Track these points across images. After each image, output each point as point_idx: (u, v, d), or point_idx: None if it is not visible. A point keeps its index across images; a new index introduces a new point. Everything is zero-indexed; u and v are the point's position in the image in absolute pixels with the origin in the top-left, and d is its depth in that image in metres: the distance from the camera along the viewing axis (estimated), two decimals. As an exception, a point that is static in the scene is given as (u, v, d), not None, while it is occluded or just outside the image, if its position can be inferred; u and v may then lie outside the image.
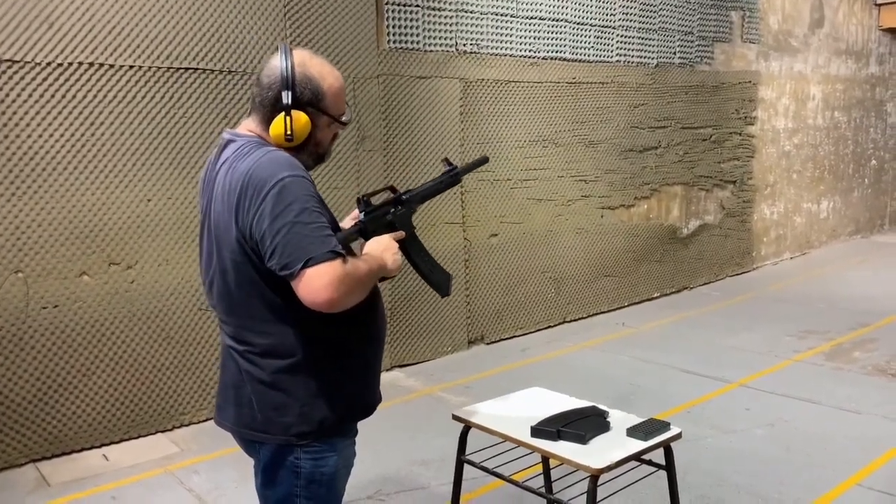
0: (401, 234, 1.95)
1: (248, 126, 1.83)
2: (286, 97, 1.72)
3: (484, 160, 2.40)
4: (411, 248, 2.01)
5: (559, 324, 6.23)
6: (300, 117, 1.74)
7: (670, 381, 4.85)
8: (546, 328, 6.12)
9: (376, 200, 2.01)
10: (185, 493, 3.47)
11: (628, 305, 6.81)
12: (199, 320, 4.24)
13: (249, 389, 1.81)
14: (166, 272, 4.11)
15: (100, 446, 3.98)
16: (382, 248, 1.86)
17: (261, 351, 1.78)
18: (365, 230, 1.92)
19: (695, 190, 7.41)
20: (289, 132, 1.73)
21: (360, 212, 1.93)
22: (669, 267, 7.21)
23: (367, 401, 1.92)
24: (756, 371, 4.97)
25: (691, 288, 7.45)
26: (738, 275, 8.05)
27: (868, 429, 4.01)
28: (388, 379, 5.01)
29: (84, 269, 3.86)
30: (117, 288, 3.97)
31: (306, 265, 1.59)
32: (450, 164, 2.18)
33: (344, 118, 1.86)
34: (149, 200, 4.03)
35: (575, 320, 6.34)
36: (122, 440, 4.05)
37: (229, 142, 1.81)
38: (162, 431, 4.18)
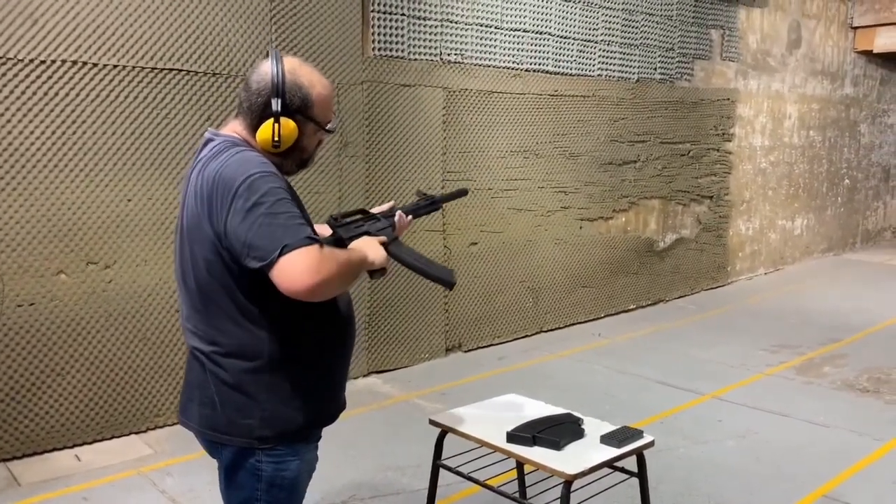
0: (383, 237, 1.97)
1: (234, 128, 1.84)
2: (276, 104, 1.73)
3: (463, 192, 2.44)
4: (399, 250, 2.02)
5: (536, 333, 6.27)
6: (288, 124, 1.75)
7: (644, 391, 4.91)
8: (523, 337, 6.16)
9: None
10: (158, 495, 3.45)
11: (604, 317, 6.87)
12: (176, 322, 4.23)
13: (213, 391, 1.80)
14: (144, 272, 4.10)
15: (72, 447, 3.94)
16: (365, 243, 1.88)
17: (226, 352, 1.78)
18: (340, 239, 1.91)
19: (672, 204, 7.51)
20: (276, 139, 1.74)
21: (333, 227, 1.94)
22: (646, 279, 7.29)
23: (331, 408, 1.93)
24: (728, 384, 5.04)
25: (667, 301, 7.54)
26: (712, 289, 8.16)
27: (836, 442, 4.09)
28: (365, 385, 5.02)
29: (61, 268, 3.84)
30: (94, 287, 3.95)
31: (282, 253, 1.59)
32: (424, 195, 2.23)
33: (330, 126, 1.87)
34: (129, 200, 4.02)
35: (552, 330, 6.38)
36: (94, 441, 4.01)
37: (208, 140, 1.83)
38: (135, 433, 4.15)
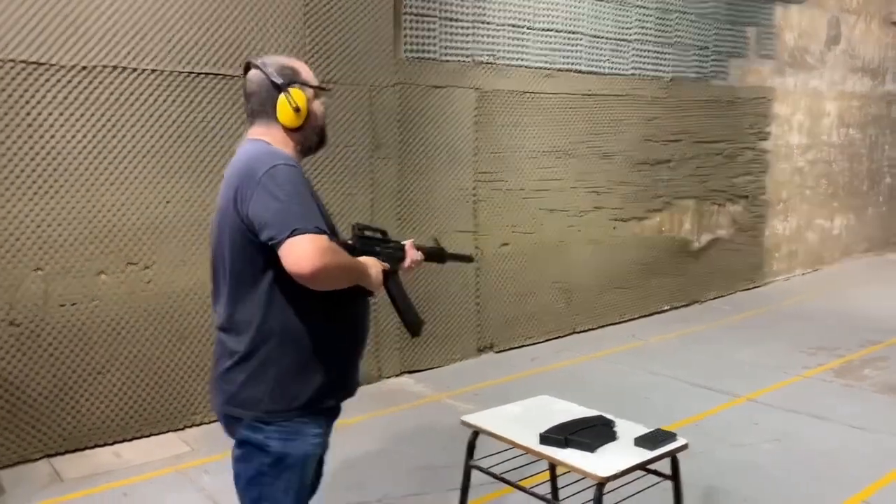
0: (386, 265, 2.09)
1: (254, 133, 2.00)
2: (276, 79, 1.93)
3: (469, 259, 2.60)
4: (392, 284, 2.12)
5: (569, 334, 6.24)
6: (295, 91, 1.94)
7: (679, 393, 4.86)
8: (556, 338, 6.14)
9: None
10: (196, 493, 3.52)
11: (639, 318, 6.82)
12: (213, 321, 4.29)
13: (229, 364, 1.93)
14: (182, 273, 4.17)
15: (112, 444, 4.03)
16: (370, 261, 2.01)
17: (243, 325, 1.91)
18: (353, 249, 2.03)
19: (707, 204, 7.42)
20: (294, 104, 1.92)
21: (353, 233, 2.07)
22: (680, 280, 7.22)
23: (339, 386, 2.01)
24: (764, 386, 4.97)
25: (702, 302, 7.46)
26: (749, 289, 8.04)
27: (876, 446, 4.01)
28: (397, 384, 5.05)
29: (102, 269, 3.93)
30: (134, 287, 4.03)
31: (292, 234, 1.73)
32: (438, 243, 2.40)
33: (326, 88, 2.08)
34: (167, 202, 4.10)
35: (585, 331, 6.35)
36: (133, 438, 4.10)
37: (244, 143, 1.99)
38: (173, 430, 4.23)
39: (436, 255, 2.37)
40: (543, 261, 6.00)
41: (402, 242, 2.20)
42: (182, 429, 4.26)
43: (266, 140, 1.95)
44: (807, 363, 5.49)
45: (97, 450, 3.97)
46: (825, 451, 3.95)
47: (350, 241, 2.04)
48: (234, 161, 1.92)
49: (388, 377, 5.10)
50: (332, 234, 1.97)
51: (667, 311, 7.09)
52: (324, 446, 2.05)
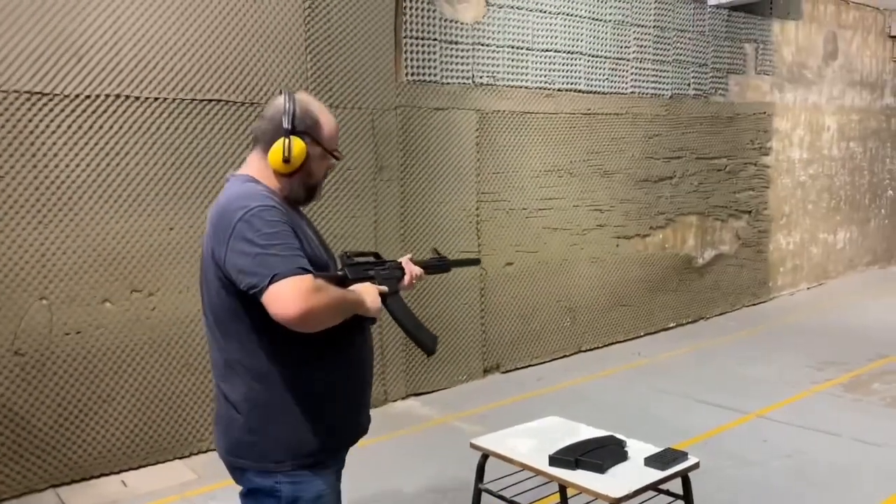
0: (384, 288, 2.01)
1: (251, 159, 1.95)
2: (286, 122, 1.86)
3: (475, 262, 2.56)
4: (394, 305, 2.05)
5: (575, 353, 6.22)
6: (297, 142, 1.86)
7: (687, 411, 4.83)
8: (561, 357, 6.11)
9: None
10: (203, 520, 3.49)
11: (644, 335, 6.79)
12: (211, 349, 4.28)
13: (231, 416, 1.87)
14: (187, 300, 4.17)
15: (118, 472, 4.01)
16: (365, 289, 1.93)
17: (235, 373, 1.86)
18: (344, 279, 1.95)
19: (710, 220, 7.42)
20: (286, 154, 1.84)
21: (342, 264, 1.99)
22: (685, 297, 7.20)
23: (346, 433, 1.96)
24: (773, 402, 4.94)
25: (707, 318, 7.43)
26: (754, 305, 8.02)
27: (888, 461, 3.97)
28: (404, 407, 5.02)
29: (107, 297, 3.93)
30: (139, 315, 4.03)
31: (272, 280, 1.67)
32: (438, 253, 2.32)
33: (336, 156, 1.98)
34: (171, 229, 4.11)
35: (590, 350, 6.33)
36: (140, 466, 4.08)
37: (230, 179, 1.93)
38: (180, 458, 4.20)
39: (438, 266, 2.31)
40: (547, 280, 5.99)
41: (399, 260, 2.14)
42: (188, 456, 4.23)
43: (253, 175, 1.90)
44: (815, 378, 5.46)
45: (103, 479, 3.95)
46: (836, 467, 3.92)
47: (340, 272, 1.96)
48: (216, 202, 1.87)
49: (394, 400, 5.08)
50: (325, 266, 1.92)
51: (672, 328, 7.06)
52: (336, 487, 2.00)
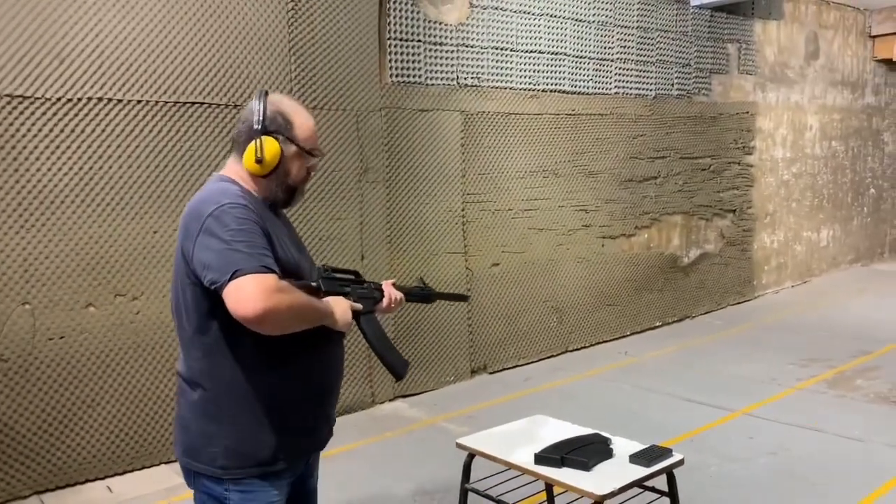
0: (357, 305, 1.96)
1: (229, 163, 1.94)
2: (257, 123, 1.85)
3: (463, 298, 2.56)
4: (367, 326, 2.00)
5: (561, 353, 6.24)
6: (269, 143, 1.85)
7: (673, 409, 4.85)
8: (548, 357, 6.13)
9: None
10: (189, 525, 3.47)
11: (630, 334, 6.82)
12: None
13: (186, 417, 1.87)
14: (170, 303, 4.14)
15: (103, 478, 3.98)
16: (336, 302, 1.90)
17: (196, 378, 1.84)
18: (318, 290, 1.91)
19: (695, 219, 7.47)
20: (259, 154, 1.83)
21: (318, 275, 1.93)
22: (671, 296, 7.24)
23: (301, 444, 1.92)
24: (758, 399, 4.97)
25: (693, 317, 7.47)
26: (739, 303, 8.07)
27: (872, 456, 4.01)
28: (392, 409, 5.02)
29: (90, 301, 3.90)
30: (122, 319, 4.00)
31: (233, 276, 1.65)
32: (423, 283, 2.27)
33: (315, 154, 1.94)
34: (154, 232, 4.08)
35: (577, 349, 6.35)
36: (125, 472, 4.05)
37: (208, 182, 1.92)
38: (165, 463, 4.18)
39: (420, 296, 2.25)
40: (533, 280, 6.01)
41: (380, 283, 2.10)
42: (174, 461, 4.20)
43: (232, 177, 1.89)
44: (800, 375, 5.50)
45: (88, 485, 3.91)
46: (822, 463, 3.95)
47: (314, 283, 1.91)
48: (190, 201, 1.86)
49: (381, 402, 5.07)
50: (296, 269, 1.88)
51: (658, 327, 7.10)
52: (304, 490, 1.99)
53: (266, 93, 1.91)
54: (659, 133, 6.96)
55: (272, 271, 1.70)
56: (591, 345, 6.47)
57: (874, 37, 9.97)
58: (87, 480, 3.92)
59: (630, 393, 5.21)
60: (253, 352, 1.80)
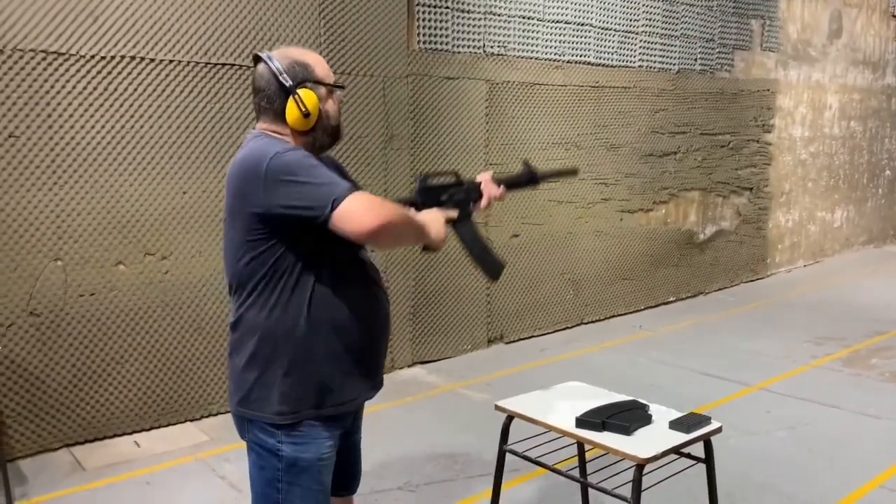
0: (452, 213, 2.00)
1: (259, 127, 1.94)
2: (285, 80, 1.84)
3: (573, 172, 2.57)
4: (463, 230, 2.03)
5: (577, 325, 6.28)
6: (307, 93, 1.85)
7: (689, 383, 4.90)
8: (564, 329, 6.17)
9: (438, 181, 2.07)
10: (219, 481, 3.54)
11: (644, 309, 6.86)
12: (229, 312, 4.30)
13: (240, 364, 1.90)
14: (199, 263, 4.18)
15: (131, 433, 4.05)
16: (431, 217, 1.93)
17: (248, 325, 1.88)
18: (416, 204, 1.96)
19: (712, 196, 7.46)
20: (304, 108, 1.84)
21: (417, 189, 1.98)
22: (685, 272, 7.26)
23: (351, 392, 1.95)
24: (774, 375, 5.02)
25: (706, 293, 7.50)
26: (752, 281, 8.10)
27: (888, 434, 4.06)
28: (410, 375, 5.07)
29: (120, 259, 3.93)
30: (151, 278, 4.04)
31: (335, 205, 1.69)
32: (528, 166, 2.24)
33: (339, 85, 1.96)
34: (184, 193, 4.10)
35: (592, 322, 6.39)
36: (152, 428, 4.12)
37: (245, 143, 1.93)
38: (191, 420, 4.25)
39: (521, 181, 2.23)
40: (552, 252, 6.03)
41: (477, 180, 2.10)
42: (199, 419, 4.27)
43: (270, 133, 1.89)
44: (815, 353, 5.54)
45: (116, 439, 3.98)
46: (839, 438, 4.00)
47: (410, 199, 1.95)
48: (233, 162, 1.87)
49: (400, 368, 5.13)
50: None
51: (672, 302, 7.13)
52: (335, 447, 2.00)
53: (260, 56, 1.89)
54: (681, 108, 6.93)
55: (359, 188, 1.75)
56: (606, 318, 6.51)
57: (897, 17, 9.87)
58: (116, 435, 4.00)
59: (646, 366, 5.26)
60: (311, 302, 1.84)
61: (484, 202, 2.11)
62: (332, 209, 1.69)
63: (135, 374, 4.02)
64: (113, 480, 3.54)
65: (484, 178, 2.15)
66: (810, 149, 8.78)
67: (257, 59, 1.90)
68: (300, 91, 1.84)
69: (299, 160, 1.76)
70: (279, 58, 1.88)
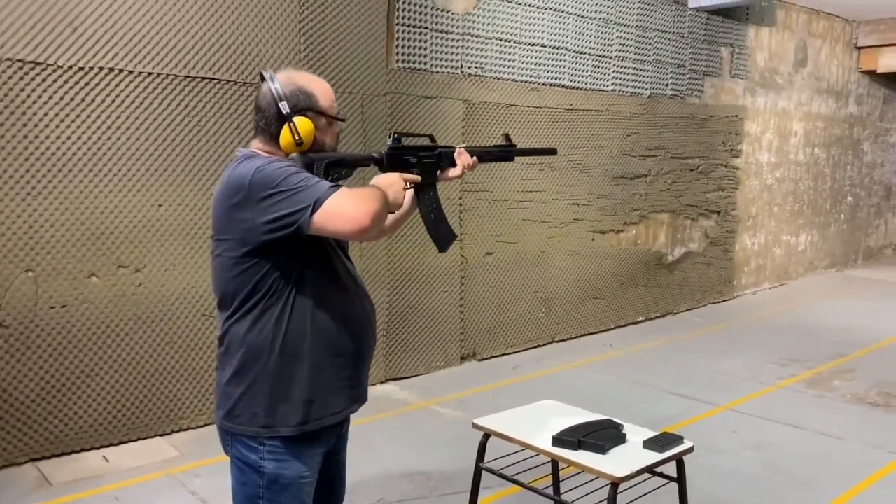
0: (414, 177, 2.02)
1: (253, 144, 1.97)
2: (284, 108, 1.86)
3: (552, 151, 2.57)
4: (424, 196, 2.05)
5: (548, 343, 6.34)
6: (303, 122, 1.87)
7: (658, 402, 4.97)
8: (536, 347, 6.22)
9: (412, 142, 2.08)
10: (189, 496, 3.50)
11: (614, 328, 6.94)
12: (203, 326, 4.28)
13: (226, 378, 1.92)
14: (173, 277, 4.15)
15: (99, 447, 3.99)
16: (386, 181, 1.93)
17: (235, 340, 1.89)
18: (381, 161, 1.98)
19: (681, 218, 7.60)
20: (297, 137, 1.86)
21: (389, 145, 1.99)
22: (654, 292, 7.37)
23: (325, 410, 1.95)
24: (741, 395, 5.11)
25: (674, 314, 7.62)
26: (719, 302, 8.24)
27: (850, 454, 4.16)
28: (383, 391, 5.07)
29: (93, 271, 3.90)
30: (124, 290, 4.00)
31: (315, 207, 1.71)
32: (508, 139, 2.27)
33: (340, 117, 1.99)
34: (160, 205, 4.08)
35: (564, 340, 6.45)
36: (121, 442, 4.06)
37: (234, 160, 1.94)
38: (161, 435, 4.20)
39: (500, 155, 2.24)
40: (525, 270, 6.09)
41: (453, 148, 2.13)
42: (169, 433, 4.23)
43: (260, 153, 1.91)
44: (780, 374, 5.66)
45: (84, 454, 3.92)
46: (804, 458, 4.09)
47: (376, 155, 1.97)
48: (220, 181, 1.89)
49: (373, 384, 5.12)
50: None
51: (641, 321, 7.23)
52: (318, 466, 2.01)
53: (265, 75, 1.91)
54: (652, 132, 7.06)
55: (338, 186, 1.76)
56: (578, 336, 6.58)
57: (860, 48, 10.18)
58: (84, 449, 3.93)
59: (616, 384, 5.33)
60: (290, 316, 1.86)
61: (458, 170, 2.14)
62: (314, 210, 1.71)
63: (104, 387, 3.97)
64: (80, 496, 3.48)
65: (459, 148, 2.18)
66: (776, 174, 8.99)
67: (263, 77, 1.92)
68: (296, 119, 1.86)
69: (279, 169, 1.77)
70: (284, 81, 1.90)
